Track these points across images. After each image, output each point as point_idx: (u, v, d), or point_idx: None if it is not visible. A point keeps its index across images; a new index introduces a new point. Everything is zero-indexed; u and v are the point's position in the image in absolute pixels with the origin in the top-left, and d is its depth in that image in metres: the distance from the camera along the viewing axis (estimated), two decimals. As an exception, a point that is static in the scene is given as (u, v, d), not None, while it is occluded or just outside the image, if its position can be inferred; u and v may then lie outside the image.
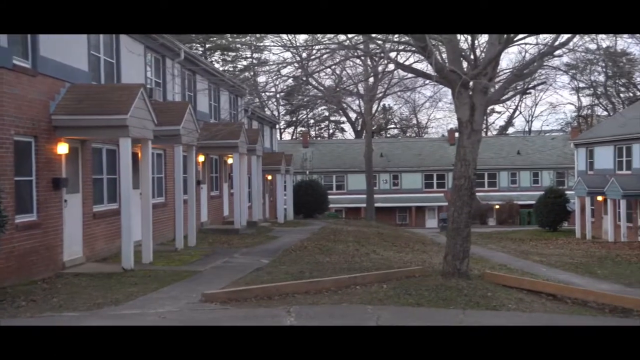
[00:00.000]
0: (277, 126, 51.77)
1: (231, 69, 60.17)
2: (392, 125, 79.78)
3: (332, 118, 77.39)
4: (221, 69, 53.91)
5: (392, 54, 13.75)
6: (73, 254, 13.08)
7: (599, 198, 34.03)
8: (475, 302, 9.78)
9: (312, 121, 77.55)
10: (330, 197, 41.41)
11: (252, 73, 42.72)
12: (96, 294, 10.31)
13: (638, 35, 15.09)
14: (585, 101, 68.46)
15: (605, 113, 63.79)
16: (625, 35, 14.70)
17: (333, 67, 26.94)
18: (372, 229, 27.88)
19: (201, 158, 21.44)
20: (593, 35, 12.25)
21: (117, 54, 15.24)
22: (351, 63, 32.79)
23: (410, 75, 14.89)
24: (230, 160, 24.12)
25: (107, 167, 14.74)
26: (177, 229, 16.81)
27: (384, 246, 20.02)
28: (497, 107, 71.82)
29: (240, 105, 27.57)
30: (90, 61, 13.86)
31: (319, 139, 72.35)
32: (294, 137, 72.27)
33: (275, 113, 62.13)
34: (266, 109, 49.07)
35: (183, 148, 17.13)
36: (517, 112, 76.00)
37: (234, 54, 61.18)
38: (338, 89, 25.88)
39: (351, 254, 16.59)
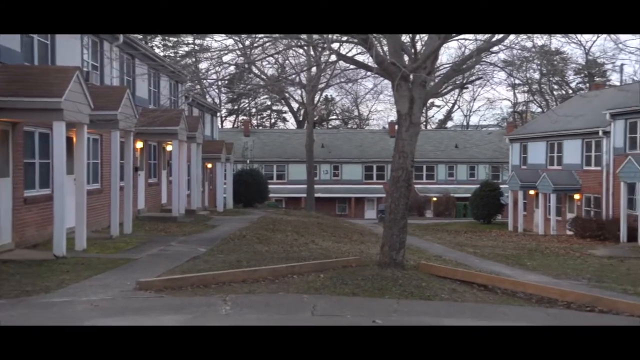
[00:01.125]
0: (218, 114, 51.20)
1: (172, 55, 59.16)
2: (334, 117, 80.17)
3: (274, 107, 77.20)
4: (162, 54, 52.95)
5: (335, 45, 13.83)
6: (1, 240, 12.64)
7: (531, 192, 35.19)
8: (410, 292, 9.98)
9: (253, 110, 77.16)
10: (270, 186, 41.38)
11: (193, 59, 42.08)
12: (25, 281, 10.01)
13: (571, 35, 15.62)
14: (521, 97, 70.60)
15: (539, 110, 65.88)
16: (559, 35, 15.17)
17: (276, 55, 26.80)
18: (311, 219, 27.98)
19: (139, 144, 21.04)
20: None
21: (52, 35, 14.75)
22: (294, 52, 32.81)
23: (352, 66, 14.98)
24: (169, 148, 23.74)
25: (39, 151, 14.29)
26: (113, 216, 16.48)
27: (323, 236, 20.14)
28: (437, 101, 73.40)
29: (181, 91, 27.12)
30: (23, 41, 13.37)
31: (260, 128, 72.02)
32: (235, 125, 71.67)
33: (217, 101, 61.49)
34: (207, 97, 48.47)
35: (120, 134, 16.76)
36: (456, 107, 77.63)
37: (175, 39, 60.13)
38: (280, 78, 25.80)
39: (290, 243, 16.63)
